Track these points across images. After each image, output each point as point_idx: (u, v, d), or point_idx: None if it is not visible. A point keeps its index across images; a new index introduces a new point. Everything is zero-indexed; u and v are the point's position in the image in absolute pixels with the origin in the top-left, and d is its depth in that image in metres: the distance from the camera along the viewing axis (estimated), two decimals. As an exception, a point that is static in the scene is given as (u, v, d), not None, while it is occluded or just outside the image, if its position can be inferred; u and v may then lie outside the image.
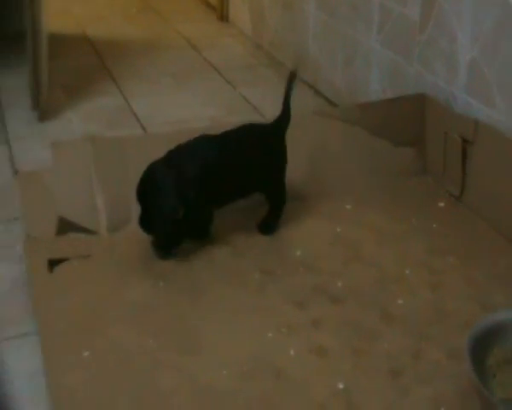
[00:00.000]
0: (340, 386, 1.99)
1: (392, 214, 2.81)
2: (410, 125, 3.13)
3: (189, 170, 2.45)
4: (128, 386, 1.99)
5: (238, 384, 2.00)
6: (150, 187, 2.45)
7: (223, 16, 5.28)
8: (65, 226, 2.63)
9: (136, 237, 2.58)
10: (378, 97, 3.51)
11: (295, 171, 2.95)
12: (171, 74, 4.24)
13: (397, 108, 3.17)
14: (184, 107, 3.80)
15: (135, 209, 2.62)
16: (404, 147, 3.10)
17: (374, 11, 3.53)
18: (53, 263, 2.47)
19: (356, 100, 3.68)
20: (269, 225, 2.69)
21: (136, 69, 4.30)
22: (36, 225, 2.62)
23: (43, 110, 3.60)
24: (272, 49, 4.58)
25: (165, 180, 2.43)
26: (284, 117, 2.76)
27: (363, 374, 2.03)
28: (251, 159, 2.60)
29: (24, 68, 3.92)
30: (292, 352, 2.11)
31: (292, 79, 2.75)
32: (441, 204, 2.88)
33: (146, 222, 2.48)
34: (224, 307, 2.30)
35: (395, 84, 3.44)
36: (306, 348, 2.13)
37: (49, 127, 3.54)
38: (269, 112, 3.69)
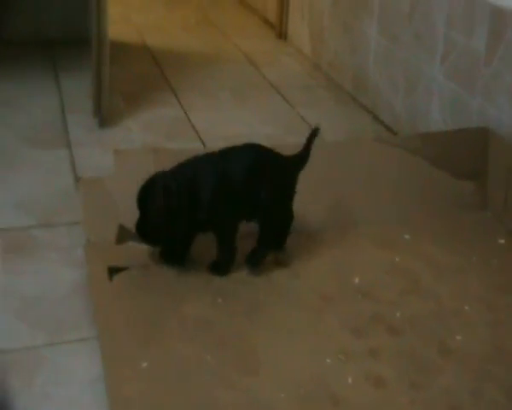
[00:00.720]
0: (399, 419, 1.98)
1: (450, 248, 2.79)
2: (471, 159, 3.11)
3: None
4: (185, 401, 1.99)
5: (295, 408, 2.00)
6: (148, 195, 2.45)
7: (281, 34, 5.30)
8: (125, 234, 2.65)
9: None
10: (438, 128, 3.50)
11: (353, 197, 2.96)
12: (230, 89, 4.26)
13: (459, 140, 3.15)
14: (242, 123, 3.82)
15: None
16: (464, 180, 3.08)
17: (438, 41, 3.52)
18: (112, 271, 2.49)
19: (415, 128, 3.68)
20: (255, 257, 2.57)
21: (195, 81, 4.33)
22: (96, 232, 2.64)
23: (104, 117, 3.64)
24: (331, 71, 4.58)
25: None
26: (301, 158, 2.68)
27: (422, 409, 2.02)
28: (253, 188, 2.51)
29: (85, 74, 3.98)
30: (350, 380, 2.10)
31: (315, 134, 2.73)
32: (501, 241, 2.85)
33: (142, 229, 2.48)
34: (281, 328, 2.30)
35: (457, 115, 3.42)
36: (364, 376, 2.12)
37: (109, 134, 3.57)
38: (327, 135, 3.70)
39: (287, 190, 2.62)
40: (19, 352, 2.17)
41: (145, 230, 2.48)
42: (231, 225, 2.53)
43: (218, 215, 2.48)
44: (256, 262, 2.56)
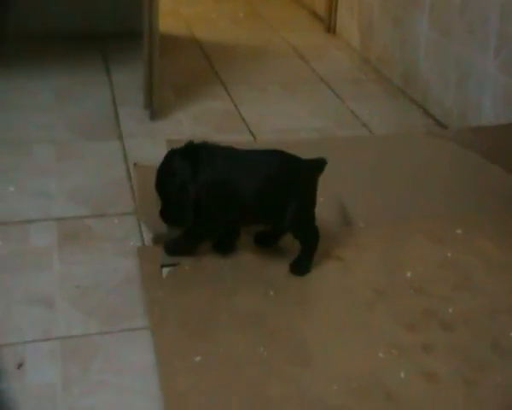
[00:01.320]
0: (453, 415, 1.98)
1: (503, 243, 2.76)
2: (524, 153, 3.09)
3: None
4: (238, 394, 2.00)
5: (348, 401, 2.00)
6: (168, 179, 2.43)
7: (330, 28, 5.29)
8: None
9: (246, 242, 2.61)
10: (490, 122, 3.47)
11: (404, 190, 2.95)
12: (279, 82, 4.26)
13: (511, 133, 3.12)
14: (292, 116, 3.82)
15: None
16: (517, 174, 3.06)
17: (491, 35, 3.48)
18: (165, 267, 2.51)
19: (466, 123, 3.64)
20: (299, 265, 2.52)
21: (244, 75, 4.34)
22: (151, 222, 2.67)
23: (155, 109, 3.66)
24: (380, 65, 4.56)
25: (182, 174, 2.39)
26: (319, 163, 2.50)
27: (476, 406, 2.01)
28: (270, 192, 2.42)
29: (136, 67, 4.01)
30: (402, 374, 2.10)
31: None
32: (556, 237, 2.82)
33: (164, 213, 2.48)
34: (333, 321, 2.30)
35: (509, 109, 3.38)
36: (417, 372, 2.11)
37: (160, 126, 3.60)
38: (376, 129, 3.69)
39: (312, 197, 2.52)
40: (74, 339, 2.20)
41: (167, 212, 2.48)
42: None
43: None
44: (302, 272, 2.52)
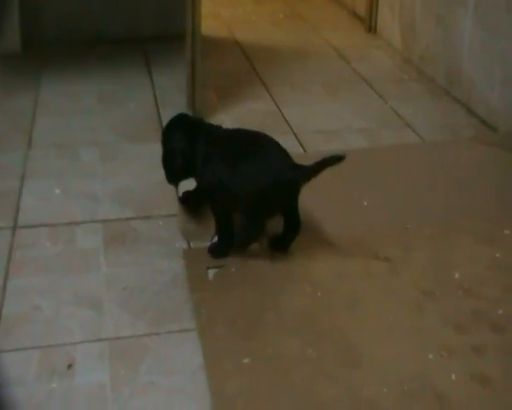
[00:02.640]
0: (507, 418, 1.95)
1: (553, 243, 2.72)
2: None
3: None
4: (287, 396, 1.99)
5: (399, 403, 1.98)
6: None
7: (370, 28, 5.25)
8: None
9: (293, 244, 2.61)
10: (538, 122, 3.42)
11: (452, 193, 2.93)
12: (321, 83, 4.24)
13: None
14: (334, 117, 3.80)
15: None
16: None
17: (538, 32, 3.44)
18: (211, 269, 2.51)
19: (512, 121, 3.60)
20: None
21: (285, 76, 4.32)
22: (194, 223, 2.67)
23: (198, 111, 3.67)
24: (422, 64, 4.52)
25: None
26: (307, 172, 2.46)
27: (530, 407, 1.98)
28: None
29: (177, 69, 4.03)
30: (453, 377, 2.07)
31: (337, 161, 2.44)
32: None
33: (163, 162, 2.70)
34: (382, 322, 2.28)
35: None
36: (468, 374, 2.08)
37: (203, 127, 3.60)
38: (421, 129, 3.66)
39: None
40: (123, 341, 2.21)
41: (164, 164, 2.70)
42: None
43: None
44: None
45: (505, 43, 3.67)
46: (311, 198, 2.81)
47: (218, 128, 2.72)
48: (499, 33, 3.71)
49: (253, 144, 2.57)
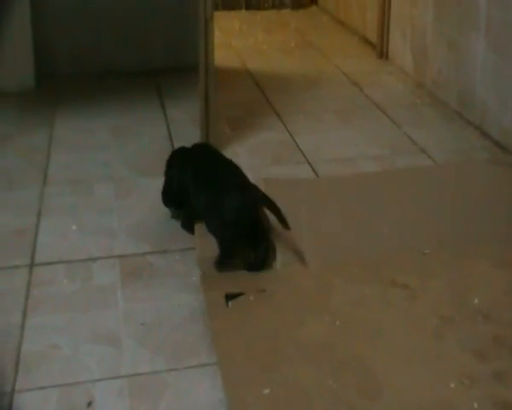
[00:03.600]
0: (530, 445, 1.92)
1: None
2: None
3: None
4: (309, 427, 1.99)
5: (421, 434, 1.96)
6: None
7: (382, 53, 5.26)
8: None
9: (310, 271, 2.61)
10: (552, 142, 3.41)
11: (469, 217, 2.91)
12: (334, 111, 4.25)
13: None
14: (349, 144, 3.80)
15: (308, 248, 2.66)
16: None
17: (550, 53, 3.43)
18: (229, 297, 2.51)
19: (527, 144, 3.59)
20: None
21: (298, 104, 4.33)
22: (210, 254, 2.67)
23: (212, 143, 3.67)
24: (435, 89, 4.52)
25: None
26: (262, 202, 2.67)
27: (554, 434, 1.96)
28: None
29: (190, 101, 4.04)
30: (476, 405, 2.05)
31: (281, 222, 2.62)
32: None
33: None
34: (401, 351, 2.27)
35: None
36: (490, 401, 2.06)
37: (218, 159, 3.61)
38: (435, 153, 3.65)
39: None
40: (142, 377, 2.20)
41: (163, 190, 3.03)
42: None
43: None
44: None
45: (517, 66, 3.67)
46: (326, 224, 2.82)
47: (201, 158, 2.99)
48: (511, 56, 3.71)
49: (217, 176, 2.82)
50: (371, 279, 2.61)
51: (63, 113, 4.15)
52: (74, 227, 3.00)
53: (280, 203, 2.67)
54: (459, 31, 4.23)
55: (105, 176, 3.45)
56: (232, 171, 2.84)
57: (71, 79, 4.62)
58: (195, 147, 3.10)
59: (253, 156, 3.66)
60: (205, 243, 2.72)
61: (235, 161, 3.55)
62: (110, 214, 3.12)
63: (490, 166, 3.10)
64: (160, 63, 4.87)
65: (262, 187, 2.83)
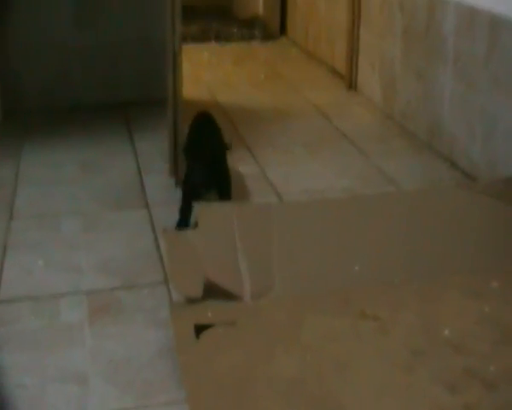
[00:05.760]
0: None
1: (542, 295, 2.70)
2: (557, 202, 3.03)
3: None
4: None
5: None
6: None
7: (351, 85, 5.29)
8: (210, 290, 2.64)
9: (280, 303, 2.58)
10: (520, 172, 3.43)
11: (437, 245, 2.91)
12: (304, 143, 4.25)
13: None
14: (318, 177, 3.80)
15: (278, 278, 2.64)
16: (551, 224, 3.00)
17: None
18: (199, 329, 2.47)
19: (495, 174, 3.60)
20: None
21: (268, 137, 4.33)
22: (182, 287, 2.64)
23: (181, 176, 3.65)
24: (404, 120, 4.54)
25: None
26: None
27: None
28: None
29: (159, 134, 4.03)
30: (447, 438, 2.03)
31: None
32: None
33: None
34: (373, 384, 2.24)
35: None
36: (462, 434, 2.05)
37: (186, 193, 3.59)
38: (404, 184, 3.66)
39: None
40: (110, 416, 2.17)
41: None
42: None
43: None
44: None
45: (484, 97, 3.70)
46: (296, 252, 2.80)
47: None
48: (478, 87, 3.74)
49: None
50: (341, 311, 2.58)
51: (30, 147, 4.11)
52: (41, 263, 2.96)
53: (250, 230, 2.66)
54: (427, 62, 4.26)
55: (73, 210, 3.41)
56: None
57: (39, 112, 4.59)
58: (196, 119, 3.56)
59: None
60: (176, 267, 2.69)
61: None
62: (78, 249, 3.08)
63: (458, 193, 3.10)
64: (129, 96, 4.86)
65: (236, 213, 2.82)
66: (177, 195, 3.56)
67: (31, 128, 4.38)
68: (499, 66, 3.58)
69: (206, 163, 3.20)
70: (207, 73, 5.74)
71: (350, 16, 5.24)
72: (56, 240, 3.15)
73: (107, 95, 4.83)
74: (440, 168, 3.91)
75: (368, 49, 5.09)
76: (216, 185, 3.25)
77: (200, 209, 2.87)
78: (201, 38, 6.72)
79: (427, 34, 4.24)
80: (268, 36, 6.84)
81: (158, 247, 3.08)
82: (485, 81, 3.69)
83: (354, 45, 5.26)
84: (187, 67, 5.27)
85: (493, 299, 2.67)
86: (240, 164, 3.93)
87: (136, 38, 4.86)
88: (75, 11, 4.73)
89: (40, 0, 4.62)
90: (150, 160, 3.96)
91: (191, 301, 2.60)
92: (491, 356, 2.37)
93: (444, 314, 2.59)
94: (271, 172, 3.84)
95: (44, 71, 4.71)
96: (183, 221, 3.19)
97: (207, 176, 3.18)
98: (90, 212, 3.41)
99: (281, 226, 2.94)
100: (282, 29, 6.94)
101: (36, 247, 3.09)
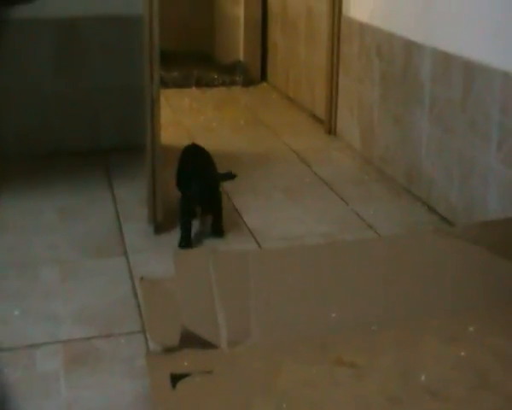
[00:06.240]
0: None
1: (518, 338, 2.71)
2: (533, 245, 3.05)
3: None
4: None
5: None
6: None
7: (330, 130, 5.33)
8: (187, 338, 2.63)
9: (257, 351, 2.57)
10: (497, 215, 3.45)
11: (414, 290, 2.91)
12: (283, 189, 4.27)
13: (519, 226, 3.10)
14: (297, 222, 3.81)
15: (255, 323, 2.63)
16: (527, 267, 3.01)
17: (493, 129, 3.49)
18: (175, 378, 2.46)
19: (473, 218, 3.62)
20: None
21: (248, 183, 4.34)
22: (158, 335, 2.63)
23: (159, 223, 3.66)
24: (382, 165, 4.58)
25: None
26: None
27: None
28: None
29: (139, 181, 4.03)
30: None
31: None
32: None
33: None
34: (349, 433, 2.24)
35: (515, 202, 3.37)
36: None
37: (165, 239, 3.59)
38: (382, 229, 3.68)
39: None
40: None
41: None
42: None
43: None
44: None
45: (461, 141, 3.73)
46: (273, 299, 2.80)
47: None
48: (455, 131, 3.78)
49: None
50: (319, 358, 2.58)
51: (9, 194, 4.10)
52: (17, 312, 2.94)
53: (227, 277, 2.66)
54: (404, 107, 4.31)
55: (51, 258, 3.40)
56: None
57: (18, 159, 4.57)
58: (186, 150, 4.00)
59: (202, 237, 3.65)
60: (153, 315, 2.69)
61: (184, 240, 3.58)
62: (55, 298, 3.07)
63: (435, 237, 3.12)
64: (109, 142, 4.87)
65: (212, 260, 2.82)
66: (156, 241, 3.59)
67: (9, 175, 4.36)
68: (475, 110, 3.62)
69: (199, 182, 3.58)
70: (188, 118, 5.76)
71: (329, 61, 5.29)
72: (34, 289, 3.14)
73: (88, 141, 4.84)
74: (419, 212, 3.94)
75: (347, 94, 5.14)
76: (207, 202, 3.65)
77: (176, 257, 2.87)
78: (183, 83, 6.76)
79: (405, 79, 4.29)
80: (249, 81, 6.89)
81: (136, 294, 3.07)
82: (462, 125, 3.73)
83: (333, 90, 5.30)
84: (168, 113, 5.34)
85: (470, 343, 2.68)
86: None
87: (116, 84, 4.88)
88: (55, 58, 4.75)
89: (20, 46, 4.63)
90: (129, 206, 3.96)
91: (168, 349, 2.59)
92: (468, 401, 2.37)
93: (421, 360, 2.59)
94: (250, 218, 3.85)
95: (24, 117, 4.72)
96: (185, 231, 3.56)
97: (201, 194, 3.57)
98: (68, 260, 3.40)
99: (258, 273, 2.94)
100: (263, 74, 7.00)
101: (12, 297, 3.07)
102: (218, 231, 3.65)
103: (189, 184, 3.62)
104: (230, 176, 4.03)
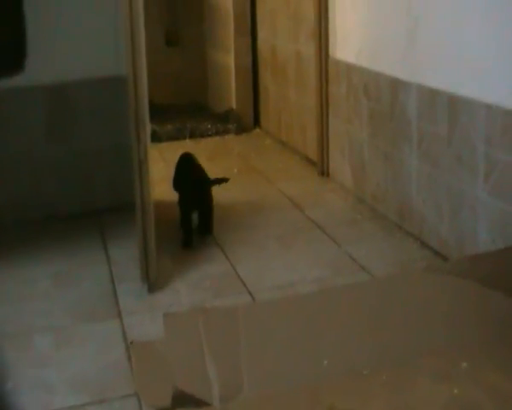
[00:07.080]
0: None
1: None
2: (523, 276, 3.04)
3: None
4: None
5: None
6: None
7: (323, 171, 5.34)
8: (179, 398, 2.62)
9: (249, 405, 2.56)
10: (488, 248, 3.44)
11: (406, 329, 2.91)
12: (276, 236, 4.27)
13: (509, 257, 3.09)
14: (289, 270, 3.81)
15: (247, 379, 2.62)
16: (518, 298, 2.99)
17: (479, 162, 3.50)
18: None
19: (464, 251, 3.62)
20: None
21: (240, 233, 4.35)
22: (151, 397, 2.63)
23: (152, 282, 3.66)
24: (374, 203, 4.58)
25: None
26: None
27: None
28: None
29: (133, 240, 4.03)
30: None
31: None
32: None
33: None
34: None
35: (506, 233, 3.36)
36: None
37: (159, 299, 3.59)
38: (375, 267, 3.67)
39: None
40: None
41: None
42: None
43: None
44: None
45: (449, 175, 3.74)
46: (265, 351, 2.79)
47: None
48: (443, 166, 3.79)
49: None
50: (311, 407, 2.56)
51: (2, 262, 4.10)
52: (10, 384, 2.93)
53: (217, 333, 2.66)
54: (393, 145, 4.32)
55: (45, 326, 3.40)
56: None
57: (11, 225, 4.57)
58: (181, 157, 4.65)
59: (195, 291, 3.66)
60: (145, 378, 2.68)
61: (177, 298, 3.59)
62: (49, 367, 3.07)
63: (426, 275, 3.11)
64: (102, 203, 4.88)
65: (202, 319, 2.82)
66: (150, 301, 3.58)
67: (3, 242, 4.37)
68: (461, 144, 3.63)
69: (193, 180, 4.31)
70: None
71: (318, 103, 5.32)
72: (27, 359, 3.13)
73: (81, 203, 4.85)
74: (412, 249, 3.93)
75: (337, 134, 5.16)
76: (199, 207, 4.26)
77: (166, 318, 2.87)
78: (177, 136, 6.79)
79: (392, 117, 4.31)
80: (242, 128, 6.92)
81: (129, 357, 3.06)
82: (449, 159, 3.74)
83: (324, 132, 5.33)
84: (161, 167, 5.37)
85: (462, 380, 2.65)
86: (211, 263, 3.95)
87: (107, 145, 4.91)
88: (46, 123, 4.78)
89: (11, 114, 4.67)
90: (123, 267, 3.96)
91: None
92: (463, 442, 2.34)
93: (413, 402, 2.56)
94: (243, 269, 3.85)
95: (16, 183, 4.73)
96: (187, 233, 4.15)
97: (194, 189, 4.26)
98: (62, 326, 3.40)
99: (248, 327, 2.94)
100: (256, 120, 7.03)
101: (6, 368, 3.06)
102: (206, 229, 4.28)
103: (184, 183, 4.31)
104: (223, 180, 4.34)
